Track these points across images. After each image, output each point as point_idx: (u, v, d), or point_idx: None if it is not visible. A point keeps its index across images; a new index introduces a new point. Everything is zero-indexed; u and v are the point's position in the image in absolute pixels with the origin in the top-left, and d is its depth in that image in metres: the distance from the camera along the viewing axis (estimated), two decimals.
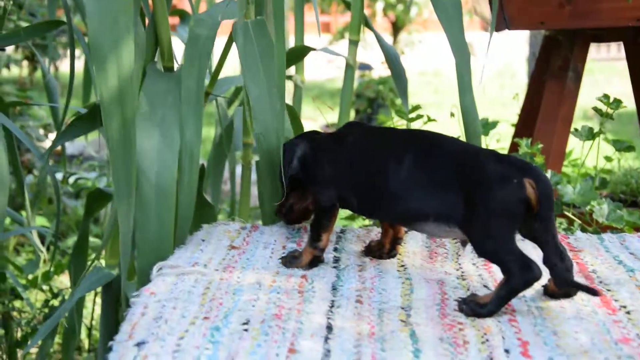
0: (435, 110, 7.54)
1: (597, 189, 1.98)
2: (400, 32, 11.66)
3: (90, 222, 1.79)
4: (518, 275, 1.11)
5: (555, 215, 1.22)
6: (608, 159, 2.36)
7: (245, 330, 1.08)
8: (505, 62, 11.07)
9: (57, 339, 2.22)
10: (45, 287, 2.35)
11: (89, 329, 2.41)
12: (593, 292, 1.12)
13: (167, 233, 1.33)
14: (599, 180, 1.98)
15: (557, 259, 1.13)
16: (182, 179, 1.35)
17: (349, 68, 1.92)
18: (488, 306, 1.12)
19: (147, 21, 1.51)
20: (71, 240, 2.57)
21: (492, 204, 1.13)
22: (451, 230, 1.19)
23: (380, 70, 7.04)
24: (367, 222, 2.50)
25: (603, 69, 9.67)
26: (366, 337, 1.07)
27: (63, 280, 2.75)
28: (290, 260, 1.31)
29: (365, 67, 7.13)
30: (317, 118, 7.20)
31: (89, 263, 2.04)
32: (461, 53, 1.63)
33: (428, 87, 10.27)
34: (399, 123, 2.31)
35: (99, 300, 2.45)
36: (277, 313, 1.13)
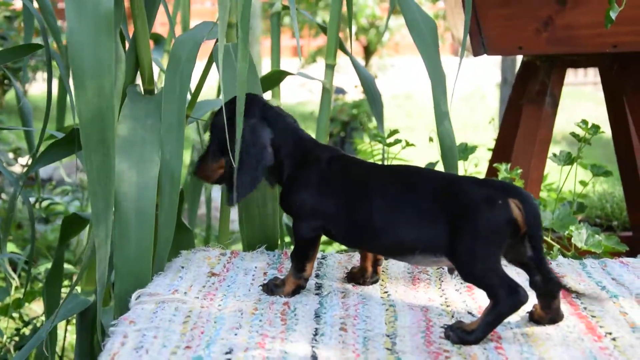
0: (409, 133, 7.57)
1: (575, 213, 1.99)
2: (372, 55, 11.73)
3: (64, 248, 1.75)
4: (505, 299, 1.10)
5: None
6: (583, 183, 2.38)
7: (229, 359, 1.05)
8: (475, 85, 11.18)
9: None
10: (15, 315, 2.30)
11: (60, 357, 2.36)
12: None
13: (146, 257, 1.30)
14: (576, 204, 1.99)
15: (549, 274, 1.13)
16: (162, 202, 1.33)
17: (326, 92, 1.91)
18: (475, 333, 1.11)
19: (127, 44, 1.49)
20: (43, 267, 2.52)
21: (479, 227, 1.12)
22: (438, 259, 1.18)
23: (354, 94, 7.06)
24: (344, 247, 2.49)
25: (570, 93, 9.78)
26: None
27: (33, 308, 2.69)
28: (272, 289, 1.29)
29: (339, 91, 7.16)
30: None
31: (66, 290, 2.00)
32: (438, 79, 1.64)
33: (400, 110, 10.33)
34: (377, 147, 2.31)
35: (70, 327, 2.40)
36: (260, 342, 1.11)
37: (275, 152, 1.30)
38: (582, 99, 9.83)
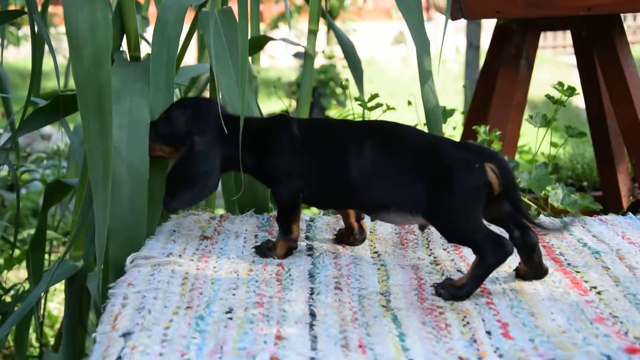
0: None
1: (550, 174, 2.04)
2: (334, 20, 11.67)
3: (47, 214, 1.75)
4: (491, 252, 1.14)
5: None
6: (555, 145, 2.43)
7: (230, 318, 1.08)
8: (435, 50, 11.21)
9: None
10: None
11: (41, 324, 2.36)
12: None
13: (140, 220, 1.31)
14: (551, 165, 2.03)
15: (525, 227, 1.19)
16: (152, 164, 1.34)
17: (309, 58, 1.93)
18: (465, 287, 1.14)
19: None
20: (25, 232, 2.51)
21: (457, 189, 1.16)
22: (413, 218, 1.22)
23: (320, 59, 7.04)
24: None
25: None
26: (350, 323, 1.08)
27: (9, 277, 2.69)
28: (265, 252, 1.31)
29: (301, 55, 7.14)
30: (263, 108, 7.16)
31: (55, 256, 2.00)
32: (421, 42, 1.65)
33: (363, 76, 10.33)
34: (351, 112, 2.33)
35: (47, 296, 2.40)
36: (258, 301, 1.13)
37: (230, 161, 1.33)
38: (542, 62, 9.94)
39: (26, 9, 1.46)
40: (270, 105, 7.11)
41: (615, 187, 2.33)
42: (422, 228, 1.32)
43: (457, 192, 1.16)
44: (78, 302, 1.62)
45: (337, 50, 6.66)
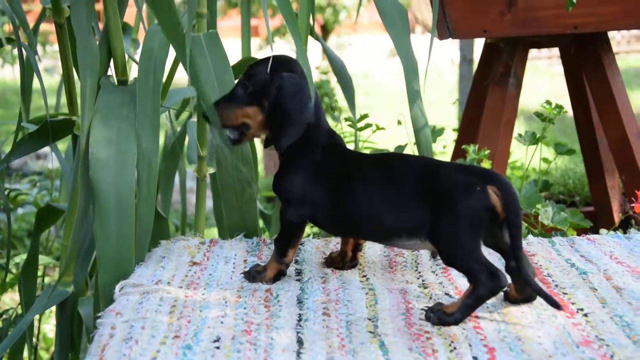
0: (367, 112, 7.62)
1: (540, 191, 2.04)
2: (329, 35, 11.72)
3: (39, 239, 1.75)
4: (485, 283, 1.14)
5: None
6: (547, 161, 2.44)
7: (217, 347, 1.08)
8: (431, 62, 11.23)
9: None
10: None
11: (35, 348, 2.36)
12: (556, 305, 1.14)
13: (127, 247, 1.32)
14: (541, 183, 2.04)
15: (524, 265, 1.17)
16: (140, 191, 1.34)
17: None
18: (455, 314, 1.15)
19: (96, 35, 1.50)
20: (18, 258, 2.51)
21: (457, 213, 1.16)
22: (423, 243, 1.21)
23: (314, 74, 7.06)
24: (315, 229, 2.52)
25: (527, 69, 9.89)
26: (337, 350, 1.08)
27: (4, 299, 2.69)
28: (254, 275, 1.32)
29: None
30: None
31: (48, 279, 2.00)
32: (409, 62, 1.67)
33: (358, 89, 10.31)
34: (348, 130, 2.34)
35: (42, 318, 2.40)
36: (246, 329, 1.14)
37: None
38: (537, 73, 9.96)
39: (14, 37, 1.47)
40: None
41: (607, 203, 2.33)
42: (434, 255, 1.31)
43: (457, 216, 1.16)
44: (69, 327, 1.62)
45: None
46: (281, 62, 1.32)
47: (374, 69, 11.29)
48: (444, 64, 11.16)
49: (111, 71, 1.51)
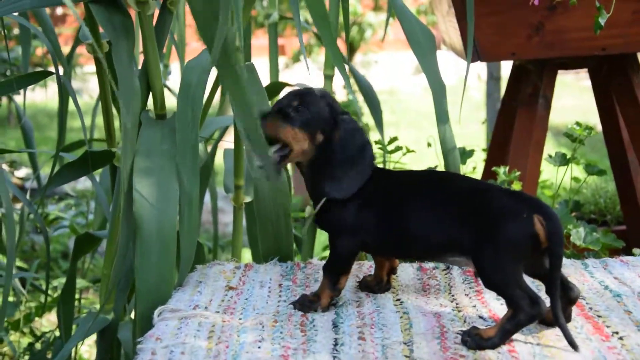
0: (394, 129, 7.61)
1: (571, 211, 2.05)
2: (355, 52, 11.77)
3: (76, 266, 1.79)
4: (526, 310, 1.15)
5: None
6: (577, 180, 2.44)
7: None
8: (458, 78, 11.26)
9: None
10: (25, 330, 2.33)
11: None
12: (573, 345, 1.14)
13: (168, 283, 1.35)
14: (572, 203, 2.05)
15: (556, 296, 1.17)
16: (182, 225, 1.37)
17: None
18: (492, 339, 1.16)
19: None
20: (56, 281, 2.56)
21: (501, 238, 1.17)
22: (468, 260, 1.23)
23: (342, 94, 7.09)
24: None
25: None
26: None
27: (41, 321, 2.73)
28: (307, 305, 1.31)
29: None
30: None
31: (85, 302, 2.03)
32: (437, 85, 1.69)
33: (385, 106, 10.32)
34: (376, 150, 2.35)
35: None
36: (283, 354, 1.16)
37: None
38: (565, 88, 9.93)
39: (52, 69, 1.51)
40: None
41: (639, 222, 2.33)
42: (477, 274, 1.30)
43: (500, 241, 1.17)
44: (109, 354, 1.65)
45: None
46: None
47: (401, 85, 11.29)
48: (470, 79, 11.17)
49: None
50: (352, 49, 11.85)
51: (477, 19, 1.83)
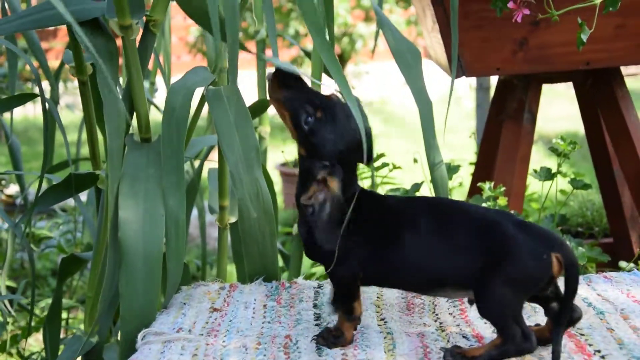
0: (386, 140, 7.62)
1: (558, 225, 2.05)
2: (346, 63, 11.79)
3: (62, 287, 1.79)
4: (515, 343, 1.14)
5: None
6: (564, 192, 2.45)
7: None
8: (449, 87, 11.25)
9: None
10: (12, 350, 2.32)
11: None
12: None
13: (152, 304, 1.35)
14: (558, 217, 2.05)
15: (561, 331, 1.17)
16: (169, 247, 1.37)
17: None
18: None
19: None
20: (43, 302, 2.55)
21: (516, 276, 1.14)
22: (467, 292, 1.21)
23: None
24: None
25: (543, 92, 9.90)
26: None
27: (30, 342, 2.72)
28: (332, 341, 1.25)
29: None
30: (269, 156, 7.23)
31: (72, 322, 2.03)
32: (423, 101, 1.69)
33: (376, 116, 10.39)
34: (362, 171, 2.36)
35: None
36: None
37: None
38: (556, 96, 9.97)
39: (36, 91, 1.52)
40: (285, 148, 7.18)
41: (626, 235, 2.33)
42: (471, 302, 1.27)
43: (514, 279, 1.14)
44: None
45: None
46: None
47: (392, 95, 11.32)
48: (462, 88, 11.19)
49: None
50: (343, 59, 11.87)
51: (461, 34, 1.83)
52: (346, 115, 1.22)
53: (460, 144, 5.28)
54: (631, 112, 2.14)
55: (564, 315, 1.16)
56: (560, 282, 1.17)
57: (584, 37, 1.67)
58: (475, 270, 1.16)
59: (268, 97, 1.25)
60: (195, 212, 2.48)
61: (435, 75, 1.60)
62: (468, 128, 5.56)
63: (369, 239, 1.23)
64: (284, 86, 1.23)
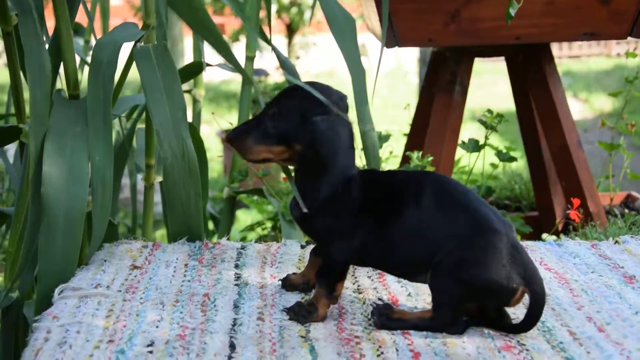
0: None
1: (484, 197, 2.09)
2: (295, 34, 11.74)
3: None
4: (444, 322, 1.17)
5: None
6: (493, 166, 2.49)
7: (150, 352, 1.10)
8: (397, 63, 11.32)
9: None
10: None
11: None
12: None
13: (72, 261, 1.34)
14: (484, 188, 2.09)
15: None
16: (95, 204, 1.36)
17: (247, 82, 1.96)
18: (397, 322, 1.19)
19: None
20: None
21: (478, 281, 1.15)
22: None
23: (276, 76, 7.08)
24: (265, 232, 2.55)
25: (490, 70, 10.04)
26: (268, 355, 1.11)
27: None
28: (304, 315, 1.23)
29: (261, 72, 7.16)
30: (212, 123, 7.20)
31: None
32: (356, 69, 1.70)
33: None
34: None
35: None
36: (180, 333, 1.17)
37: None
38: (500, 73, 10.10)
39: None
40: (230, 117, 7.14)
41: (550, 208, 2.40)
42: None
43: (473, 280, 1.15)
44: (14, 332, 1.63)
45: (297, 65, 6.64)
46: (313, 102, 1.22)
47: (339, 67, 11.33)
48: (409, 64, 11.25)
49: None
50: (291, 30, 11.83)
51: (395, 4, 1.85)
52: (301, 97, 1.23)
53: (404, 119, 5.32)
54: (559, 89, 2.19)
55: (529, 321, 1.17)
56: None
57: (512, 12, 1.70)
58: (452, 251, 1.16)
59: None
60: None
61: (384, 51, 1.60)
62: (414, 104, 5.60)
63: (370, 219, 1.21)
64: (244, 139, 1.23)
